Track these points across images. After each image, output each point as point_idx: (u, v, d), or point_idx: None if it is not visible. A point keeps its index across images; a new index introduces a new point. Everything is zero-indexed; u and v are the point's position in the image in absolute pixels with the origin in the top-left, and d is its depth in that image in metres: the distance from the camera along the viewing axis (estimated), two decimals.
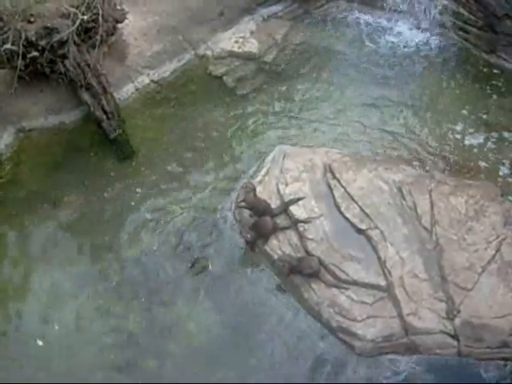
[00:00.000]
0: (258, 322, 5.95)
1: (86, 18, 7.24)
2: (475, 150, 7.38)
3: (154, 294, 6.13)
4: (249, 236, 6.36)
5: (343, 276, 5.94)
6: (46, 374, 5.58)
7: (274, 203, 6.46)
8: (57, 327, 5.87)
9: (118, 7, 7.95)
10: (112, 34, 7.88)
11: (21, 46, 6.94)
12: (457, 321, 5.67)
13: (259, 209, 6.37)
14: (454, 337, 5.64)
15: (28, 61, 7.09)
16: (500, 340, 5.61)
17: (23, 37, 6.95)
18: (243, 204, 6.46)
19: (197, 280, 6.23)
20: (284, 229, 6.31)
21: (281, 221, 6.37)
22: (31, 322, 5.91)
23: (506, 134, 7.53)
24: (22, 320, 5.94)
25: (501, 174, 7.11)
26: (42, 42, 7.03)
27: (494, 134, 7.55)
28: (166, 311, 6.03)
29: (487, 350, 5.61)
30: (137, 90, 7.91)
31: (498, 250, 6.07)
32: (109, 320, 5.97)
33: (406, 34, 8.95)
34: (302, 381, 5.60)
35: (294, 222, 6.30)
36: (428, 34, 8.92)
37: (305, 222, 6.27)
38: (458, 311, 5.71)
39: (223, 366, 5.68)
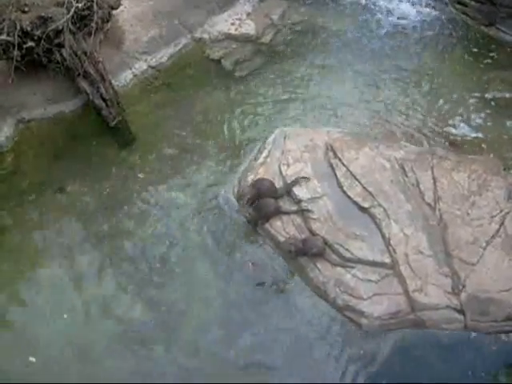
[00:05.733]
0: (263, 300, 5.99)
1: (80, 5, 7.19)
2: (476, 125, 7.35)
3: (160, 280, 6.15)
4: (248, 215, 6.37)
5: (348, 255, 5.95)
6: None
7: (277, 184, 6.46)
8: (65, 316, 5.90)
9: None
10: (107, 21, 7.83)
11: (16, 37, 6.91)
12: (462, 295, 5.69)
13: (262, 194, 6.36)
14: (460, 311, 5.66)
15: (24, 51, 7.05)
16: (506, 313, 5.63)
17: (18, 27, 6.91)
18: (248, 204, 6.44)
19: (203, 263, 6.26)
20: (287, 213, 6.31)
21: (284, 203, 6.36)
22: (39, 313, 5.93)
23: (506, 108, 7.50)
24: (29, 309, 5.96)
25: (503, 147, 7.08)
26: (38, 32, 6.99)
27: (495, 108, 7.52)
28: (170, 293, 6.06)
29: (493, 324, 5.64)
30: (135, 76, 7.88)
31: (501, 224, 6.08)
32: (117, 307, 5.99)
33: (404, 9, 8.91)
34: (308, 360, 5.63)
35: (297, 203, 6.31)
36: (426, 9, 8.86)
37: (307, 210, 6.25)
38: (464, 286, 5.73)
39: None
